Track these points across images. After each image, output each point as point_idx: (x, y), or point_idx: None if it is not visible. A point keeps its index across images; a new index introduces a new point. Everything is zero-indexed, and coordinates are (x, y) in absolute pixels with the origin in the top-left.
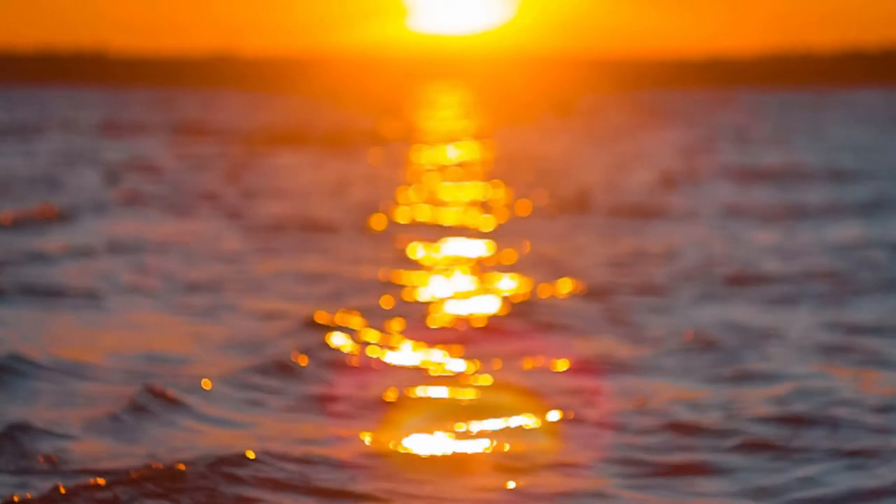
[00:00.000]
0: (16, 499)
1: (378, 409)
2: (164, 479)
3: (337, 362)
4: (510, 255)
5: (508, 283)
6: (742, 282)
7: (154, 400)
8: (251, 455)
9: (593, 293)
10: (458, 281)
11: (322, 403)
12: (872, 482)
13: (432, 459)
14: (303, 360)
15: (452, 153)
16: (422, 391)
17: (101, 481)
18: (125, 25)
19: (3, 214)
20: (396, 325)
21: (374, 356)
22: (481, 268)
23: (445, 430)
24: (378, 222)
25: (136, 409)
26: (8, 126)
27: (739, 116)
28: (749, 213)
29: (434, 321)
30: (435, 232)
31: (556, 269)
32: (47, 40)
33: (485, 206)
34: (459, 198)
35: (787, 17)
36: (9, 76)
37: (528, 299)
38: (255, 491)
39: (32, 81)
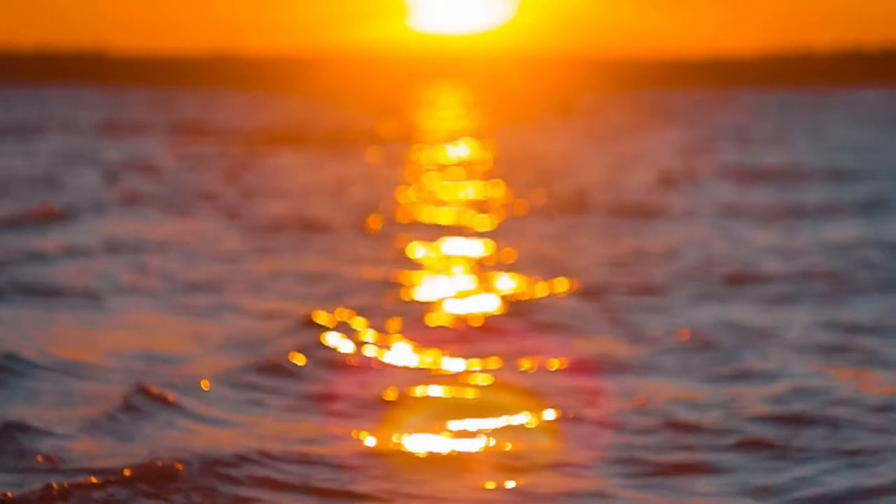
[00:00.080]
0: (9, 495)
1: (377, 409)
2: (160, 478)
3: (336, 362)
4: (509, 255)
5: (508, 283)
6: (741, 281)
7: (151, 399)
8: (249, 455)
9: (592, 293)
10: (458, 280)
11: (321, 403)
12: (872, 481)
13: (432, 459)
14: (302, 360)
15: (452, 153)
16: (421, 391)
17: (97, 480)
18: (125, 25)
19: (3, 214)
20: (395, 324)
21: (374, 356)
22: (480, 267)
23: (445, 429)
24: (377, 222)
25: (134, 408)
26: (8, 126)
27: (739, 116)
28: (748, 212)
29: (433, 321)
30: (434, 232)
31: (555, 269)
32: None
33: (484, 206)
34: (459, 197)
35: (787, 17)
36: (9, 76)
37: (527, 299)
38: (253, 491)
39: (32, 81)
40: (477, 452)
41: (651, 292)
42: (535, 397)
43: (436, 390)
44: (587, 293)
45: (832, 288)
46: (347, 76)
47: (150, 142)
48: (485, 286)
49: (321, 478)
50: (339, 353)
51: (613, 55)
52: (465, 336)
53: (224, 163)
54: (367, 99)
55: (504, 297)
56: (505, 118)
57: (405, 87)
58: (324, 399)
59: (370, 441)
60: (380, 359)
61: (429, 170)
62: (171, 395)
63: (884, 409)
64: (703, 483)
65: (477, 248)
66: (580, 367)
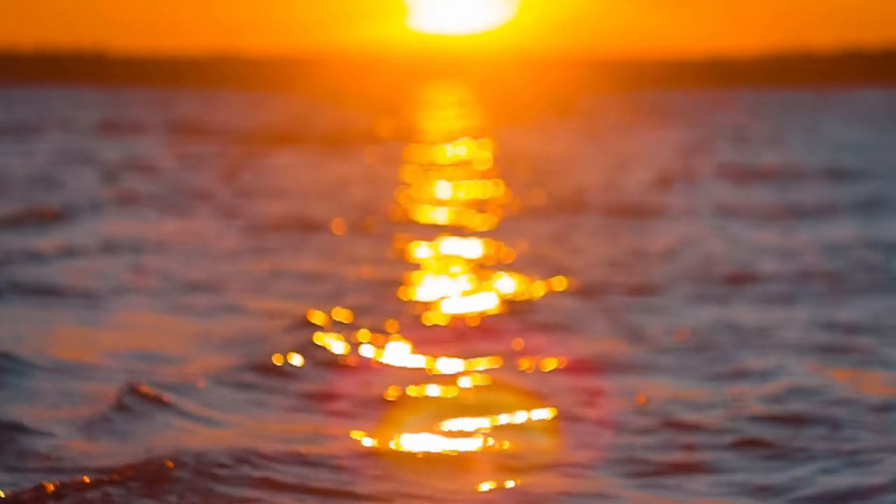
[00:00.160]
0: (2, 494)
1: (376, 409)
2: (156, 478)
3: (334, 362)
4: (508, 255)
5: (507, 283)
6: (740, 281)
7: (148, 399)
8: (246, 455)
9: (591, 293)
10: (457, 280)
11: (319, 403)
12: (871, 480)
13: (431, 459)
14: (300, 360)
15: (451, 152)
16: (420, 391)
17: (91, 480)
18: (125, 25)
19: (1, 214)
20: (394, 324)
21: (372, 356)
22: (479, 267)
23: (444, 429)
24: (376, 222)
25: (130, 408)
26: (7, 126)
27: (739, 116)
28: (747, 212)
29: (432, 320)
30: (433, 231)
31: (553, 269)
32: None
33: (483, 206)
34: (458, 197)
35: (787, 17)
36: (9, 76)
37: (525, 299)
38: (250, 491)
39: (32, 81)
40: (476, 452)
41: (650, 292)
42: (534, 397)
43: (435, 390)
44: (586, 293)
45: (830, 288)
46: (347, 76)
47: (149, 141)
48: (484, 286)
49: (319, 478)
50: (337, 352)
51: (613, 55)
52: (464, 336)
53: (223, 162)
54: (366, 99)
55: (503, 297)
56: (505, 118)
57: (405, 87)
58: (322, 399)
59: (369, 441)
60: (378, 359)
61: (428, 169)
62: (168, 395)
63: (883, 408)
64: (702, 483)
65: (476, 247)
66: (579, 366)
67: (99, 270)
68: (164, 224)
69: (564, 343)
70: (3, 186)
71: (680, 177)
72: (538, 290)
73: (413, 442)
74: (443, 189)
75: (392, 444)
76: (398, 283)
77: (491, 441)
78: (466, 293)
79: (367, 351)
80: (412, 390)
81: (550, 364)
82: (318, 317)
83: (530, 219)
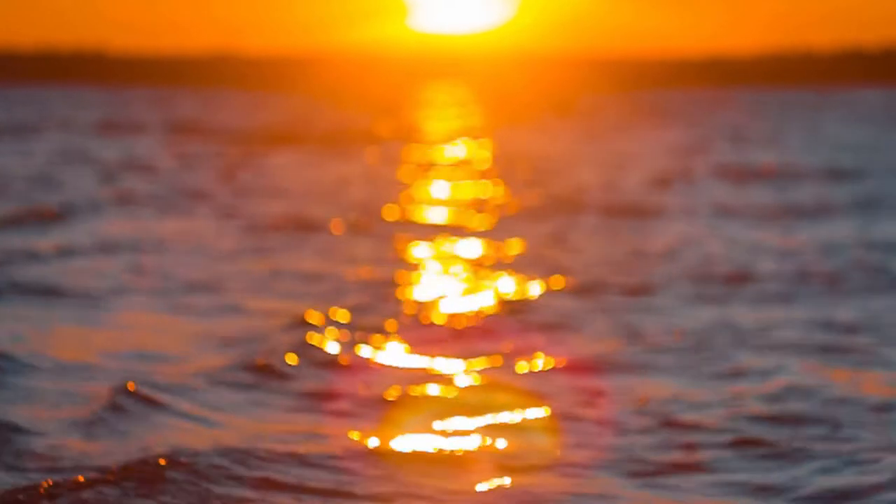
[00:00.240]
0: None
1: (375, 409)
2: (152, 477)
3: (332, 361)
4: (507, 255)
5: (506, 283)
6: (738, 281)
7: (144, 399)
8: (242, 454)
9: (590, 292)
10: (456, 280)
11: (318, 402)
12: (870, 480)
13: (429, 459)
14: (298, 359)
15: (451, 152)
16: (419, 390)
17: (87, 480)
18: (125, 25)
19: (0, 213)
20: (393, 324)
21: (370, 355)
22: (479, 267)
23: (442, 429)
24: (375, 222)
25: (126, 408)
26: (6, 125)
27: (738, 116)
28: (745, 212)
29: (431, 320)
30: (432, 231)
31: (553, 268)
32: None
33: (482, 206)
34: (457, 197)
35: (787, 17)
36: (9, 76)
37: (525, 298)
38: (247, 491)
39: (32, 81)
40: (475, 452)
41: (649, 292)
42: (533, 397)
43: (434, 390)
44: (585, 293)
45: (829, 288)
46: (347, 76)
47: (148, 141)
48: (483, 286)
49: (317, 478)
50: (335, 352)
51: (613, 55)
52: (463, 335)
53: (222, 162)
54: (366, 99)
55: (502, 297)
56: (504, 118)
57: (405, 87)
58: (321, 399)
59: (367, 441)
60: (377, 358)
61: (427, 169)
62: (166, 395)
63: (882, 408)
64: (702, 482)
65: (475, 247)
66: (578, 366)
67: (97, 270)
68: (164, 224)
69: (563, 343)
70: (2, 186)
71: (679, 177)
72: (537, 289)
73: (412, 442)
74: (442, 189)
75: (391, 444)
76: (397, 282)
77: (490, 441)
78: (465, 293)
79: (365, 351)
80: (411, 390)
81: (549, 364)
82: (316, 317)
83: (529, 218)
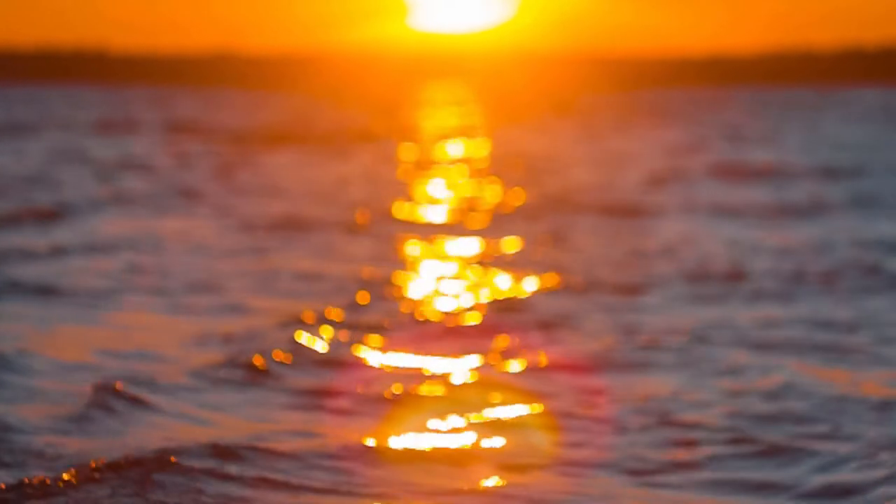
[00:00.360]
0: None
1: (372, 407)
2: (147, 476)
3: (329, 360)
4: (506, 253)
5: (504, 281)
6: (735, 279)
7: (143, 397)
8: (237, 453)
9: (589, 291)
10: (453, 278)
11: (314, 400)
12: (869, 478)
13: (427, 457)
14: (295, 358)
15: (450, 151)
16: (416, 389)
17: (77, 478)
18: (125, 24)
19: None
20: (391, 322)
21: (369, 354)
22: (477, 265)
23: (440, 427)
24: (372, 220)
25: (121, 406)
26: (7, 125)
27: (738, 115)
28: (743, 211)
29: (428, 319)
30: (430, 230)
31: (551, 267)
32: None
33: (481, 204)
34: (455, 196)
35: (788, 16)
36: (9, 75)
37: (522, 297)
38: (246, 490)
39: (33, 80)
40: (473, 451)
41: (646, 290)
42: (532, 395)
43: (431, 388)
44: (584, 291)
45: (825, 286)
46: (347, 75)
47: (147, 140)
48: (481, 284)
49: (313, 476)
50: (333, 351)
51: (613, 54)
52: (461, 334)
53: (221, 162)
54: (366, 98)
55: (500, 295)
56: (504, 117)
57: (405, 86)
58: (317, 396)
59: (364, 439)
60: (374, 357)
61: (426, 168)
62: (161, 393)
63: (880, 406)
64: (701, 480)
65: (473, 245)
66: (577, 364)
67: (95, 269)
68: (162, 223)
69: (562, 341)
70: (0, 186)
71: (677, 176)
72: (535, 288)
73: (409, 440)
74: (440, 188)
75: (388, 443)
76: (395, 281)
77: (488, 439)
78: (463, 291)
79: (363, 349)
80: (408, 388)
81: (548, 362)
82: (313, 315)
83: (527, 217)
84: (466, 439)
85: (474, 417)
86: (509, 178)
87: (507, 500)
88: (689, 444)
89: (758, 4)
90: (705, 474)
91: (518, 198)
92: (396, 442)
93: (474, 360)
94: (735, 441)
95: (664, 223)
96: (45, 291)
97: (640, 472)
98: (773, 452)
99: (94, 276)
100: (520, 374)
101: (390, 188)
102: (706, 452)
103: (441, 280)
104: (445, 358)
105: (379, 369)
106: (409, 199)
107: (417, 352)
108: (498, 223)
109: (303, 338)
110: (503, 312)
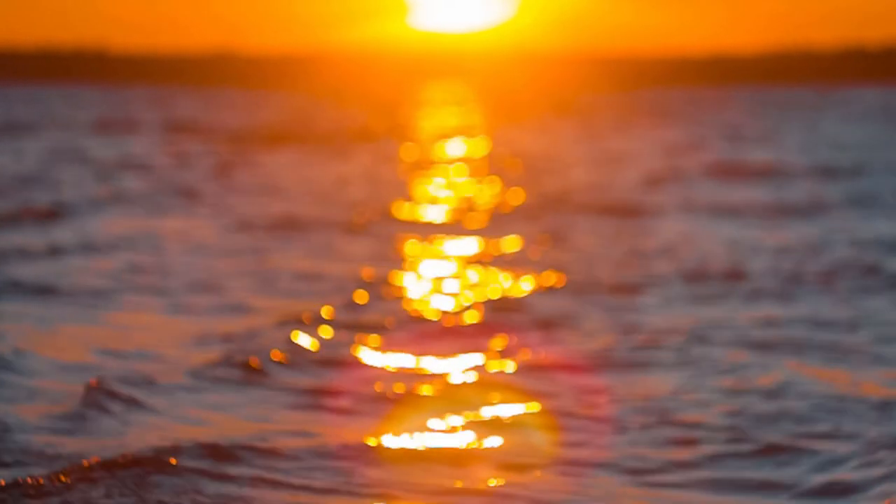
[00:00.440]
0: None
1: (371, 406)
2: (144, 475)
3: (328, 359)
4: (506, 252)
5: (503, 280)
6: (734, 278)
7: (141, 397)
8: (235, 452)
9: (588, 290)
10: (452, 278)
11: (313, 399)
12: (869, 476)
13: (427, 457)
14: (293, 357)
15: (449, 151)
16: (415, 388)
17: (78, 477)
18: (126, 23)
19: None
20: (390, 321)
21: (368, 354)
22: (476, 265)
23: (441, 428)
24: (371, 219)
25: (117, 406)
26: (5, 124)
27: (738, 114)
28: (742, 210)
29: (426, 318)
30: (429, 229)
31: (549, 266)
32: (48, 38)
33: (480, 203)
34: (455, 195)
35: (788, 16)
36: (9, 74)
37: (522, 296)
38: (244, 490)
39: (33, 80)
40: (472, 450)
41: (645, 289)
42: (531, 394)
43: (431, 387)
44: (582, 291)
45: (824, 286)
46: (348, 74)
47: (146, 140)
48: (480, 283)
49: (311, 475)
50: (331, 350)
51: (613, 54)
52: (460, 333)
53: (220, 161)
54: (366, 97)
55: (499, 295)
56: (504, 116)
57: (405, 86)
58: (316, 396)
59: (363, 439)
60: (373, 357)
61: (426, 168)
62: (160, 393)
63: (880, 406)
64: (701, 479)
65: (472, 245)
66: (577, 363)
67: (94, 269)
68: (161, 223)
69: (561, 341)
70: None
71: (676, 175)
72: (534, 287)
73: (409, 440)
74: (440, 187)
75: (388, 442)
76: (394, 280)
77: (488, 439)
78: (462, 291)
79: (362, 349)
80: (408, 388)
81: (547, 361)
82: (312, 315)
83: (527, 217)
84: (466, 439)
85: (474, 417)
86: (509, 178)
87: (507, 500)
88: (689, 443)
89: (758, 4)
90: (705, 473)
91: (517, 197)
92: (396, 442)
93: (474, 359)
94: (735, 440)
95: (663, 223)
96: (44, 291)
97: (639, 472)
98: (773, 452)
99: (93, 276)
100: (519, 373)
101: (390, 188)
102: (706, 452)
103: (440, 280)
104: (445, 357)
105: (378, 369)
106: (409, 198)
107: (417, 351)
108: (497, 223)
109: (301, 337)
110: (502, 312)
